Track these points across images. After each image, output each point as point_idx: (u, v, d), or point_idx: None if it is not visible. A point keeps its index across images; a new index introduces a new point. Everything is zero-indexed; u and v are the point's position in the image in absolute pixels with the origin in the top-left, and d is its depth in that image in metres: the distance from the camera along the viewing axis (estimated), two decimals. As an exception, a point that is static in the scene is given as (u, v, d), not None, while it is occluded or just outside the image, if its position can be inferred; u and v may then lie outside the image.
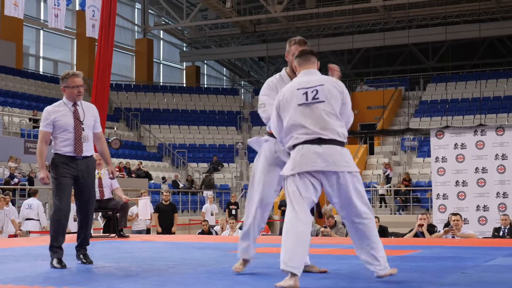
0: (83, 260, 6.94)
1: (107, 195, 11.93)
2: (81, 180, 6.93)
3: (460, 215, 12.61)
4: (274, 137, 5.76)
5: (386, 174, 28.77)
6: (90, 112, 7.08)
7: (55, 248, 6.74)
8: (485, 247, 9.13)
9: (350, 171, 5.25)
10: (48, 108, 7.00)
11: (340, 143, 5.29)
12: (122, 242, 10.71)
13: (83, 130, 6.92)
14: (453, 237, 11.76)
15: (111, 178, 7.32)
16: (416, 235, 12.42)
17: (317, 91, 5.34)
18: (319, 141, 5.25)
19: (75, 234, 7.22)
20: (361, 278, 5.66)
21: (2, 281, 5.62)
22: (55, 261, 6.64)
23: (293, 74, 5.82)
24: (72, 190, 7.03)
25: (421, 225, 12.32)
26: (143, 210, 14.88)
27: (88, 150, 6.97)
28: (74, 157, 6.86)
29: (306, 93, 5.35)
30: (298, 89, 5.40)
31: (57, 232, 6.81)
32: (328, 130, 5.26)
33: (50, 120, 6.90)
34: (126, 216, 12.11)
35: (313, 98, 5.32)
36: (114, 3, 14.07)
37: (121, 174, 22.88)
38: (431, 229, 12.78)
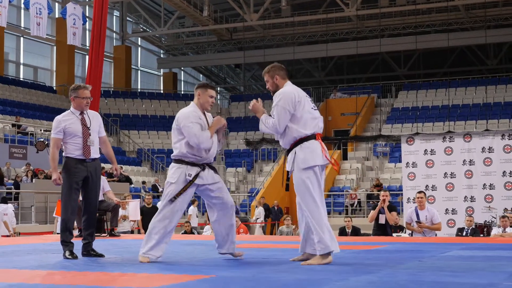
0: (93, 253, 7.72)
1: (99, 197, 12.78)
2: (90, 180, 7.77)
3: (424, 193, 13.76)
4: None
5: (352, 202, 29.23)
6: (95, 119, 7.93)
7: (66, 242, 7.59)
8: (444, 243, 10.13)
9: (167, 181, 7.06)
10: (58, 117, 7.81)
11: (174, 160, 7.06)
12: (115, 240, 11.55)
13: (90, 135, 7.77)
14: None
15: (115, 175, 8.24)
16: (379, 212, 13.61)
17: None
18: None
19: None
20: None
21: (28, 267, 6.50)
22: (67, 253, 7.49)
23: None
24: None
25: (383, 201, 13.47)
26: (133, 212, 15.66)
27: (95, 152, 7.83)
28: (84, 159, 7.72)
29: None
30: None
31: (67, 228, 7.64)
32: None
33: (61, 128, 7.72)
34: (117, 216, 12.99)
35: None
36: (105, 15, 14.86)
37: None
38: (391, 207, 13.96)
